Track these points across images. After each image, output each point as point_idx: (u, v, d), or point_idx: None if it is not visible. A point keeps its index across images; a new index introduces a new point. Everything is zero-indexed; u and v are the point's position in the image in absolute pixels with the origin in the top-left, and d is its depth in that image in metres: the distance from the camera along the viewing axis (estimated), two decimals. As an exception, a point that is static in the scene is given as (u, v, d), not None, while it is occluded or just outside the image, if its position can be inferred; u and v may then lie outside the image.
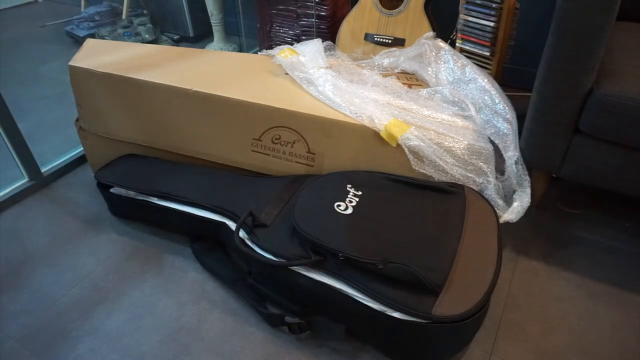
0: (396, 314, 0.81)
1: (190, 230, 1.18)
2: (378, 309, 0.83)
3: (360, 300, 0.84)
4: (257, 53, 1.41)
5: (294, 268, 0.90)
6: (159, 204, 1.14)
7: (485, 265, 0.87)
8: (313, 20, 1.74)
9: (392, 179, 1.04)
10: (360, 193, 0.99)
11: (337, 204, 0.96)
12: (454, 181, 1.05)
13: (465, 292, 0.81)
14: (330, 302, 0.89)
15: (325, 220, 0.93)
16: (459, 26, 1.43)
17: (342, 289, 0.86)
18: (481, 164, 1.06)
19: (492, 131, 1.13)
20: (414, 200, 0.99)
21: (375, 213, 0.95)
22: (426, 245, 0.88)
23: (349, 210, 0.95)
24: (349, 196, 0.98)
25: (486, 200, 1.02)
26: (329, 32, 1.75)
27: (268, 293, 0.99)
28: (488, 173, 1.07)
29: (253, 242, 0.97)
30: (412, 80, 1.30)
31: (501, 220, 1.04)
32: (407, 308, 0.79)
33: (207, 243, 1.16)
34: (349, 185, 1.01)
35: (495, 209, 1.04)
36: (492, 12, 1.33)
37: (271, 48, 1.41)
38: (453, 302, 0.79)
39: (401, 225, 0.92)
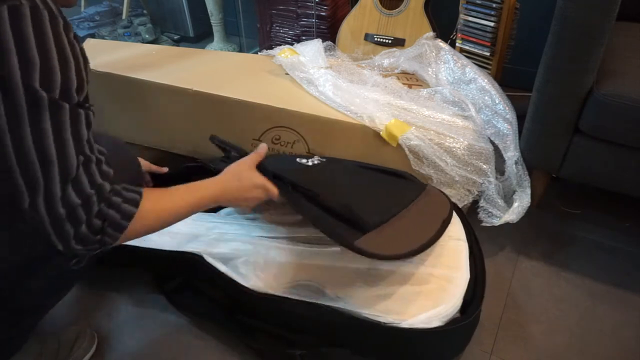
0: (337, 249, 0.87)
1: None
2: (371, 318, 0.84)
3: (348, 310, 0.85)
4: (257, 53, 1.41)
5: (286, 295, 0.90)
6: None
7: (418, 235, 0.88)
8: (313, 20, 1.74)
9: (361, 164, 1.06)
10: (324, 160, 1.02)
11: (299, 159, 1.00)
12: (452, 183, 1.05)
13: (390, 244, 0.83)
14: (325, 326, 0.89)
15: (284, 163, 0.97)
16: (459, 26, 1.43)
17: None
18: (481, 164, 1.07)
19: (492, 131, 1.13)
20: (372, 177, 1.02)
21: (331, 173, 0.99)
22: (369, 201, 0.91)
23: (309, 163, 0.99)
24: (312, 159, 1.02)
25: (447, 197, 1.01)
26: (329, 32, 1.75)
27: (260, 325, 0.95)
28: (488, 173, 1.07)
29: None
30: (412, 80, 1.30)
31: (502, 221, 1.04)
32: (334, 234, 0.82)
33: (176, 281, 1.05)
34: (316, 156, 1.05)
35: (497, 209, 1.04)
36: (492, 12, 1.33)
37: (271, 48, 1.41)
38: (375, 244, 0.81)
39: (351, 186, 0.97)
